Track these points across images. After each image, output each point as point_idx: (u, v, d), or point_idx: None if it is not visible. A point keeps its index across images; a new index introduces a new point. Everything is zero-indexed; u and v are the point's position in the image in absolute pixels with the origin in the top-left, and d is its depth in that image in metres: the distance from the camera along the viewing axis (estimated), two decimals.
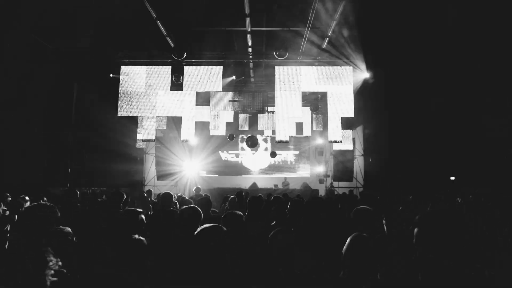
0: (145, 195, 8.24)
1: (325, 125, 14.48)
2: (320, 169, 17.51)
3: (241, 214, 3.11)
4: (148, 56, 11.42)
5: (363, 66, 11.31)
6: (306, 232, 3.04)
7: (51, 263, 2.07)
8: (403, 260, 2.58)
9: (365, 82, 11.82)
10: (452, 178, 13.20)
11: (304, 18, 9.44)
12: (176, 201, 6.49)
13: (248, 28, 9.82)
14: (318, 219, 3.27)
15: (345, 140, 13.55)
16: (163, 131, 15.53)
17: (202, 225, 2.81)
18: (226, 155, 18.53)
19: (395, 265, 2.52)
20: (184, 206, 3.37)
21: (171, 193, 5.41)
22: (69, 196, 5.47)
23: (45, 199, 6.80)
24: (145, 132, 11.19)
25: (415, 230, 1.97)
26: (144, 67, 11.34)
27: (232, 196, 6.13)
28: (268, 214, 4.23)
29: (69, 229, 2.61)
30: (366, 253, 2.27)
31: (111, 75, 11.66)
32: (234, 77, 12.75)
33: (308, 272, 2.36)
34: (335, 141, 11.17)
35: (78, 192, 6.02)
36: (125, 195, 5.68)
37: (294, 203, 3.57)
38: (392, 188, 12.29)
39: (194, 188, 9.97)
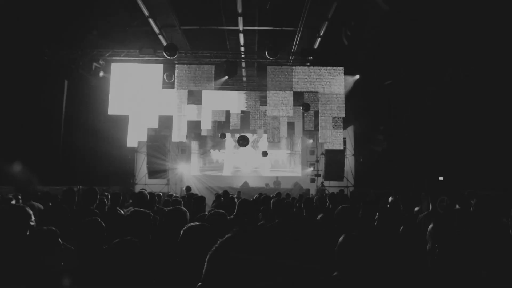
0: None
1: (316, 125, 14.52)
2: (311, 168, 17.62)
3: (224, 212, 3.16)
4: (139, 54, 11.32)
5: (353, 67, 11.38)
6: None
7: None
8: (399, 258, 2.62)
9: (356, 82, 11.89)
10: (441, 178, 13.32)
11: (296, 18, 9.48)
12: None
13: (241, 28, 9.83)
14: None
15: (336, 140, 13.56)
16: (154, 129, 15.43)
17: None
18: (218, 154, 18.52)
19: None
20: (171, 207, 3.38)
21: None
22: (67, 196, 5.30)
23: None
24: (136, 131, 11.12)
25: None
26: (135, 65, 11.27)
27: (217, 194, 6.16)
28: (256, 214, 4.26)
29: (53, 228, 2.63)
30: (359, 252, 2.22)
31: (101, 74, 11.52)
32: (227, 77, 12.69)
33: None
34: (326, 142, 11.25)
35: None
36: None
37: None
38: (382, 187, 12.36)
39: (185, 187, 9.95)
